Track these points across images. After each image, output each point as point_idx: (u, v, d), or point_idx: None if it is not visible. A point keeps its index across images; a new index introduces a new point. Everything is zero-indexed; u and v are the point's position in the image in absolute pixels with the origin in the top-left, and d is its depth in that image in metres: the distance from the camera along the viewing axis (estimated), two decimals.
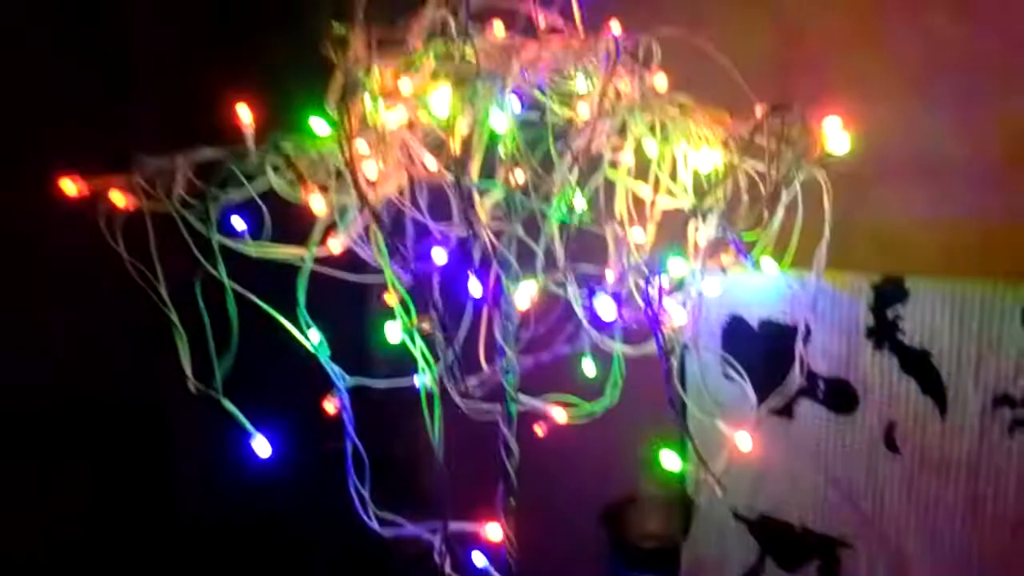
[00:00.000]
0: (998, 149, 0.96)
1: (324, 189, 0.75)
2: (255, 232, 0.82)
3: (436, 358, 0.72)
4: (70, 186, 0.75)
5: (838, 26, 1.06)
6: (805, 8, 1.07)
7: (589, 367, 1.04)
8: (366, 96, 0.70)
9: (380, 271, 0.77)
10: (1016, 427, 0.81)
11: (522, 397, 0.89)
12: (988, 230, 0.93)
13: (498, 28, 0.75)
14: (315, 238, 0.71)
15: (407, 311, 0.72)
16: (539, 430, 1.06)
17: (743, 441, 0.78)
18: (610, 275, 0.78)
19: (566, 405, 0.96)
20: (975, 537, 0.84)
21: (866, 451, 0.92)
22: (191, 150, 0.78)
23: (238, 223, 0.83)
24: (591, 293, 0.71)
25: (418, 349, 0.71)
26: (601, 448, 1.30)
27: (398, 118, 0.68)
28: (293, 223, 0.77)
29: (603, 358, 1.00)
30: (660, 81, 0.78)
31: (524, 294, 0.76)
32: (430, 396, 0.72)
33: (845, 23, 1.05)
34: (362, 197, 0.63)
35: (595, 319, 0.80)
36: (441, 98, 0.66)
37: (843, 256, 0.96)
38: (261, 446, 0.73)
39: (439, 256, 0.88)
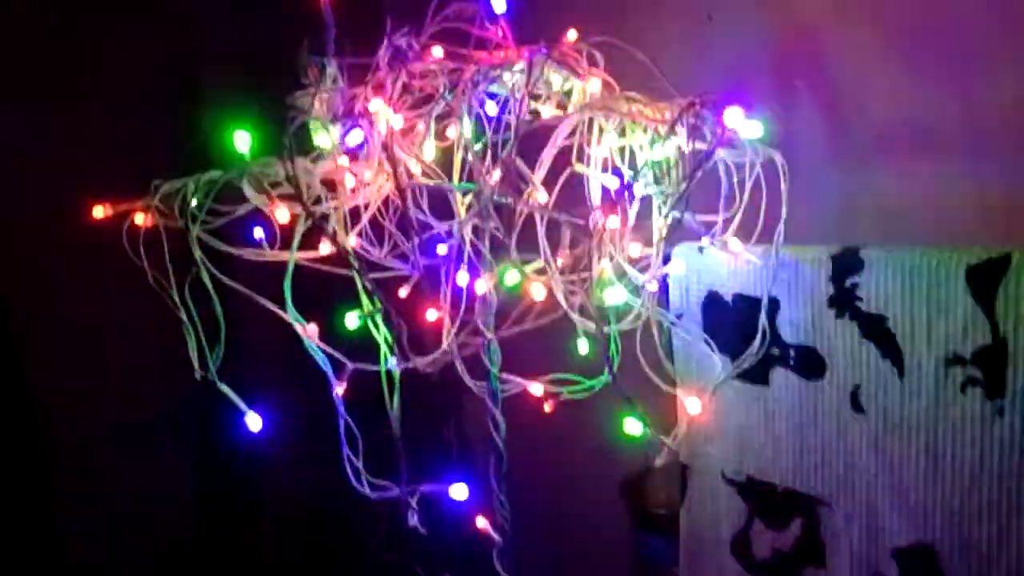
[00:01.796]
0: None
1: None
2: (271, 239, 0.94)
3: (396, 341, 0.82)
4: (100, 211, 0.89)
5: None
6: None
7: (583, 346, 1.13)
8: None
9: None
10: (968, 385, 0.85)
11: (505, 376, 0.99)
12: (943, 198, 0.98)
13: (437, 51, 0.84)
14: (296, 242, 0.83)
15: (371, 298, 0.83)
16: (548, 407, 1.15)
17: (692, 405, 0.85)
18: (565, 259, 0.86)
19: (566, 383, 1.05)
20: (937, 490, 0.88)
21: (836, 414, 0.96)
22: (201, 173, 0.91)
23: (257, 233, 0.96)
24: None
25: (381, 336, 0.82)
26: (606, 423, 1.38)
27: (356, 138, 0.79)
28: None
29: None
30: (594, 85, 0.85)
31: (484, 284, 0.85)
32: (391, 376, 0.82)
33: None
34: (305, 208, 0.73)
35: None
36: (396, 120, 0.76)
37: (812, 230, 1.02)
38: (253, 421, 0.84)
39: (442, 249, 0.99)
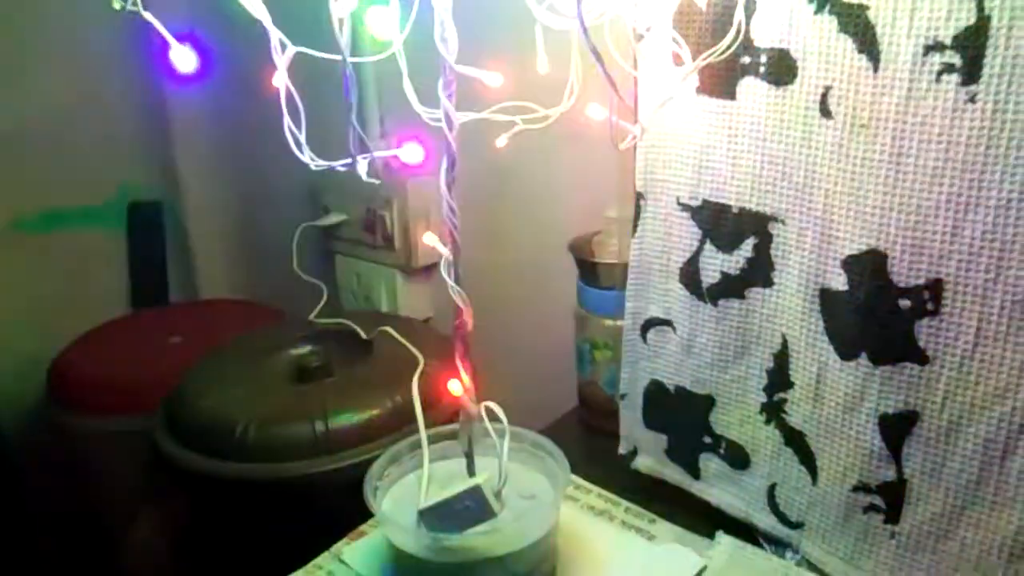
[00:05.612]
0: None
1: None
2: None
3: None
4: None
5: None
6: None
7: (542, 63, 1.05)
8: None
9: None
10: (944, 72, 0.81)
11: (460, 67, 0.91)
12: None
13: None
14: None
15: None
16: (502, 141, 1.08)
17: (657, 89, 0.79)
18: None
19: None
20: (896, 190, 0.86)
21: (801, 122, 0.93)
22: None
23: None
24: None
25: None
26: (567, 164, 1.33)
27: None
28: None
29: (559, 53, 1.00)
30: None
31: None
32: None
33: None
34: None
35: None
36: None
37: None
38: (183, 58, 0.75)
39: None
